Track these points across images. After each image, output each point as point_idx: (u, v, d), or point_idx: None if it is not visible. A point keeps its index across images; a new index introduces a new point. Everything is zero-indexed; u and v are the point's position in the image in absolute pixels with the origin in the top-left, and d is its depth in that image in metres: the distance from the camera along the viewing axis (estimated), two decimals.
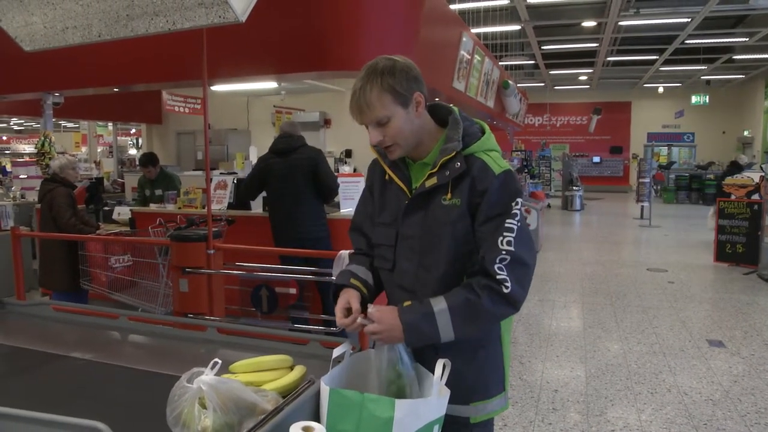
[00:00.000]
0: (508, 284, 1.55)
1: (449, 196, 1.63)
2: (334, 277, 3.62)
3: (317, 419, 1.43)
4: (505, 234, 1.57)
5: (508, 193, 1.61)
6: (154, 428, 1.32)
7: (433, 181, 1.64)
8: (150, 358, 2.07)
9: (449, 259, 1.65)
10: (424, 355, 1.64)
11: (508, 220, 1.59)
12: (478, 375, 1.71)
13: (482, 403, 1.71)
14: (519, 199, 1.62)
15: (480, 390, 1.71)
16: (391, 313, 1.59)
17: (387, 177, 1.77)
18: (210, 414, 1.26)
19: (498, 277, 1.55)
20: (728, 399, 4.09)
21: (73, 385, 1.77)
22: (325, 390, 1.43)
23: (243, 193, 5.29)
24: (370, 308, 1.60)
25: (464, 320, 1.57)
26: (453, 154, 1.62)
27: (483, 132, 1.71)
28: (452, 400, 1.57)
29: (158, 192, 6.49)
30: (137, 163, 7.83)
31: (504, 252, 1.56)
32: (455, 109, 1.73)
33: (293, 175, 4.75)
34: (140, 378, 1.81)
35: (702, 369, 4.65)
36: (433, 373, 1.51)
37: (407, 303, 1.61)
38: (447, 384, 1.50)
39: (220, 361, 1.34)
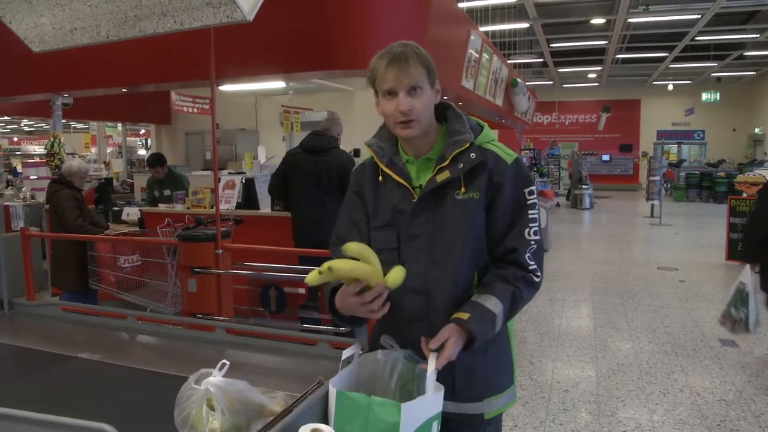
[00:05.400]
0: (539, 273, 1.64)
1: (464, 189, 1.60)
2: None
3: (326, 421, 1.42)
4: (530, 225, 1.63)
5: (523, 181, 1.65)
6: (162, 430, 1.31)
7: (446, 174, 1.59)
8: (158, 358, 2.07)
9: (466, 255, 1.62)
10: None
11: (530, 212, 1.64)
12: (489, 370, 1.69)
13: (495, 398, 1.70)
14: (532, 187, 1.66)
15: (492, 385, 1.70)
16: (454, 334, 1.52)
17: (380, 179, 1.71)
18: (218, 416, 1.25)
19: (530, 267, 1.62)
20: (741, 399, 4.05)
21: (80, 386, 1.77)
22: (332, 392, 1.42)
23: (271, 190, 5.08)
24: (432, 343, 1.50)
25: (510, 313, 1.62)
26: (467, 144, 1.60)
27: (481, 125, 1.71)
28: (466, 399, 1.56)
29: (166, 192, 6.51)
30: (146, 163, 7.88)
31: (533, 242, 1.63)
32: (452, 104, 1.72)
33: (319, 176, 4.60)
34: (148, 379, 1.80)
35: (715, 369, 4.61)
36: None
37: (463, 315, 1.54)
38: (460, 383, 1.54)
39: (227, 362, 1.33)
